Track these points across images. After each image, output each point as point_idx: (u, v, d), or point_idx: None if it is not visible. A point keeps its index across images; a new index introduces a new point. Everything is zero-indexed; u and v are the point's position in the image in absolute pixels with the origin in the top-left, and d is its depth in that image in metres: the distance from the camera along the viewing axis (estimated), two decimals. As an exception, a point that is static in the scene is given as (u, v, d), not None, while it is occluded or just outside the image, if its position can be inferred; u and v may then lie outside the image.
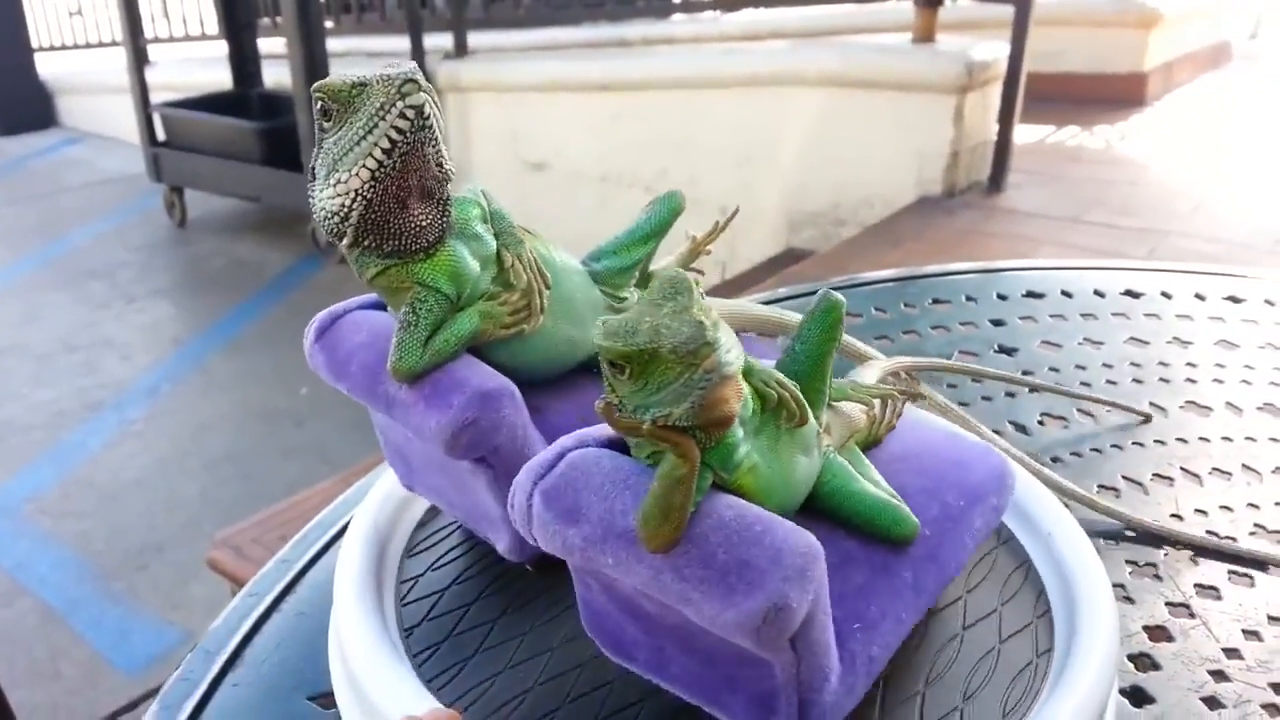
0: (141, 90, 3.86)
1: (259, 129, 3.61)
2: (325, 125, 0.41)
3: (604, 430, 0.37)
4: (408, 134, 0.40)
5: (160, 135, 3.91)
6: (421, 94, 0.40)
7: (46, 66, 5.62)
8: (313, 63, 3.30)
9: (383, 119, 0.39)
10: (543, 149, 3.65)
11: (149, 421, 2.71)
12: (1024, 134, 3.05)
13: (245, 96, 3.99)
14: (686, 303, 0.31)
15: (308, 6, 3.28)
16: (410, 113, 0.39)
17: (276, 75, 3.91)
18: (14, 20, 5.48)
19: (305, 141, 3.37)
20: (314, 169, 0.43)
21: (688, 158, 3.27)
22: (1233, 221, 2.55)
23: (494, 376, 0.43)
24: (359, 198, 0.41)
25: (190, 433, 2.65)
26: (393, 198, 0.41)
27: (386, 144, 0.40)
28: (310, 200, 0.43)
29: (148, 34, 4.34)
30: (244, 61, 4.04)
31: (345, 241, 0.42)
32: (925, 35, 2.93)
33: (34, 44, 5.61)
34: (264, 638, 0.49)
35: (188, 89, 4.15)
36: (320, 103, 0.41)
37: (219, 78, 4.14)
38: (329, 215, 0.42)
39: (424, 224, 0.43)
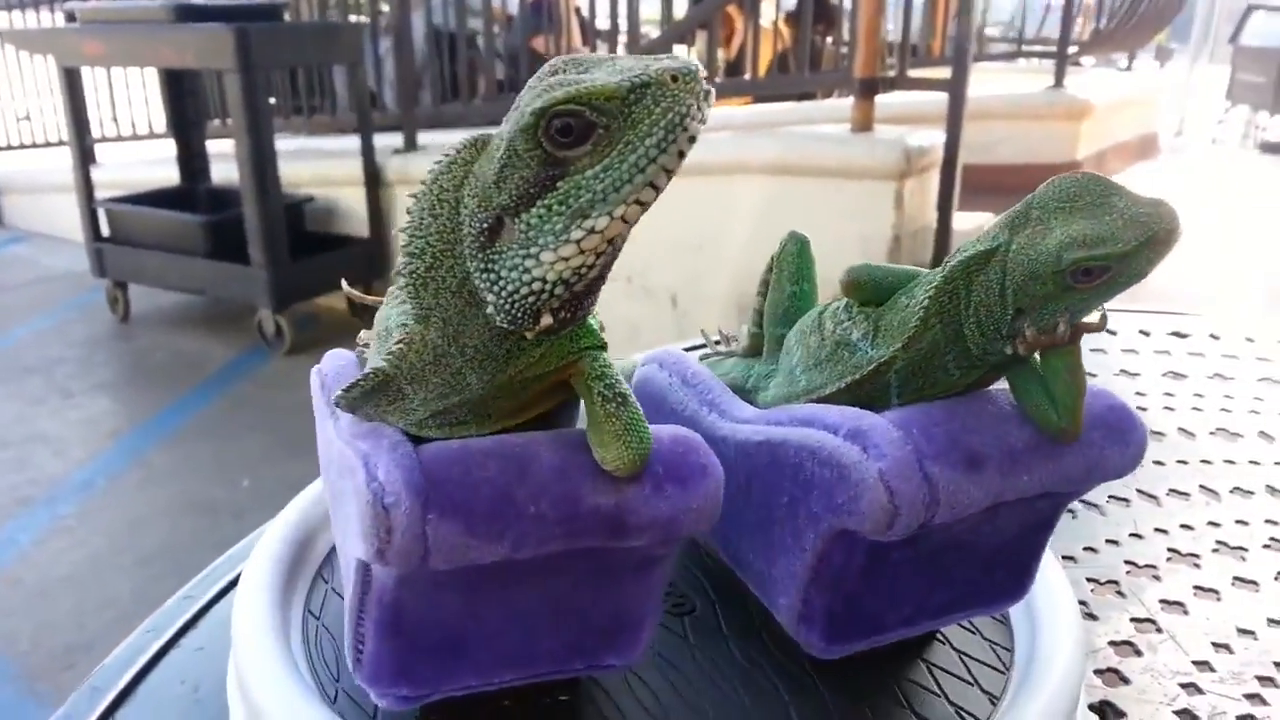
0: (86, 187, 3.82)
1: (205, 222, 3.58)
2: (567, 155, 0.28)
3: (822, 411, 0.37)
4: (688, 149, 0.28)
5: (105, 231, 3.86)
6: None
7: (-9, 167, 5.58)
8: (260, 158, 3.30)
9: (682, 129, 0.28)
10: (492, 240, 3.65)
11: (82, 517, 2.61)
12: (963, 221, 3.11)
13: (192, 191, 3.97)
14: (1128, 191, 0.33)
15: (257, 106, 3.29)
16: (705, 116, 0.28)
17: (224, 173, 3.90)
18: (-41, 123, 5.45)
19: (252, 234, 3.34)
20: (488, 226, 0.29)
21: (638, 247, 3.24)
22: (1173, 293, 2.60)
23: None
24: (608, 248, 0.29)
25: (125, 528, 2.55)
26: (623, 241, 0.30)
27: (675, 163, 0.28)
28: (494, 273, 0.29)
29: (95, 134, 4.33)
30: (191, 158, 4.03)
31: (541, 323, 0.29)
32: (864, 125, 3.01)
33: (-21, 145, 5.57)
34: (160, 674, 0.45)
35: (134, 186, 4.11)
36: (572, 119, 0.28)
37: (166, 175, 4.13)
38: (551, 285, 0.29)
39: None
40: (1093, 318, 0.35)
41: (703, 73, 0.28)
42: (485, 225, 0.29)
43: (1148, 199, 0.33)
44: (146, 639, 0.47)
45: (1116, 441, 0.36)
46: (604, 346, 0.32)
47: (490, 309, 0.29)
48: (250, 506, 2.58)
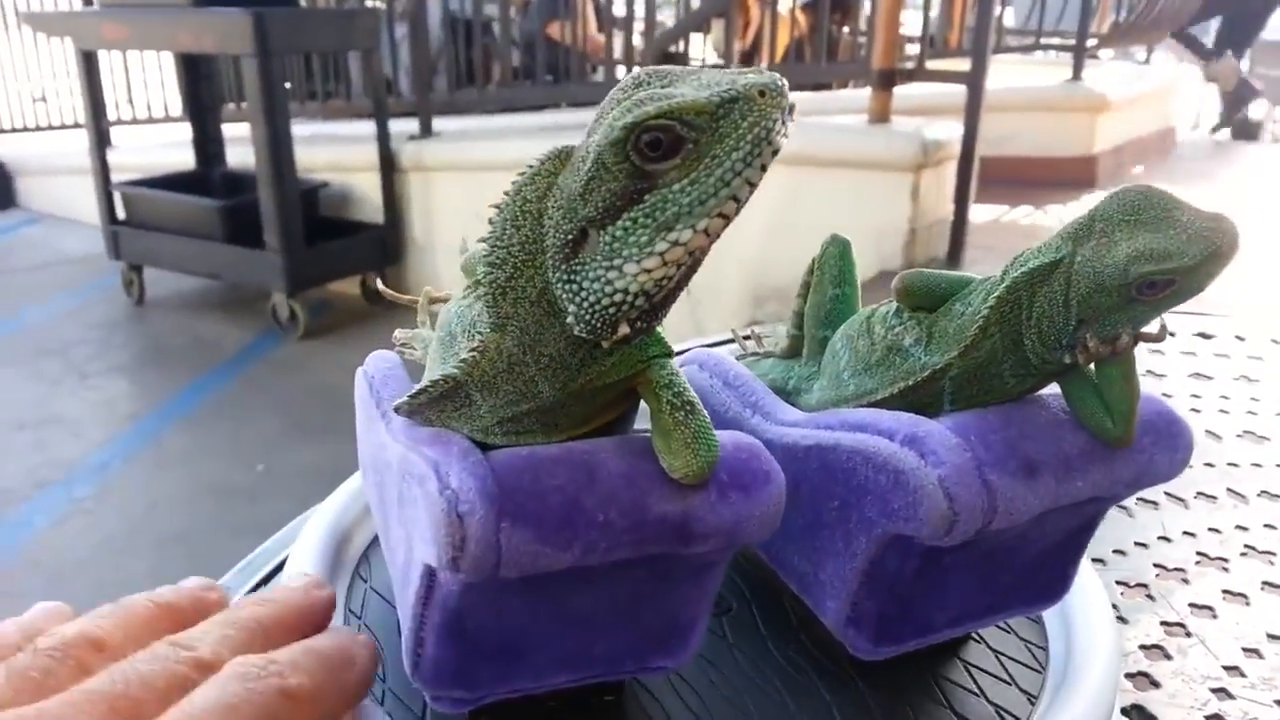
0: (102, 169, 3.83)
1: (221, 207, 3.59)
2: (655, 169, 0.28)
3: (875, 415, 0.37)
4: (770, 162, 0.28)
5: (120, 214, 3.88)
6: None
7: (7, 148, 5.59)
8: (276, 143, 3.31)
9: (767, 143, 0.28)
10: (507, 227, 3.65)
11: (98, 499, 2.63)
12: (979, 213, 3.11)
13: (207, 175, 3.98)
14: (1189, 206, 0.34)
15: (273, 91, 3.29)
16: (788, 130, 0.28)
17: (240, 157, 3.91)
18: (-25, 104, 5.47)
19: (268, 218, 3.35)
20: (572, 238, 0.29)
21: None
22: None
23: None
24: (689, 260, 0.29)
25: (141, 510, 2.57)
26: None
27: (758, 176, 0.28)
28: (576, 284, 0.29)
29: (111, 117, 4.34)
30: (207, 142, 4.05)
31: (619, 333, 0.29)
32: (881, 117, 3.00)
33: (-5, 127, 5.59)
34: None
35: (150, 170, 4.13)
36: (662, 133, 0.28)
37: (182, 159, 4.14)
38: (633, 296, 0.29)
39: None
40: (1152, 328, 0.35)
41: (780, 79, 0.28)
42: (569, 237, 0.29)
43: (1209, 213, 0.33)
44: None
45: (1166, 447, 0.37)
46: (671, 354, 0.32)
47: (570, 319, 0.29)
48: (264, 491, 2.60)
